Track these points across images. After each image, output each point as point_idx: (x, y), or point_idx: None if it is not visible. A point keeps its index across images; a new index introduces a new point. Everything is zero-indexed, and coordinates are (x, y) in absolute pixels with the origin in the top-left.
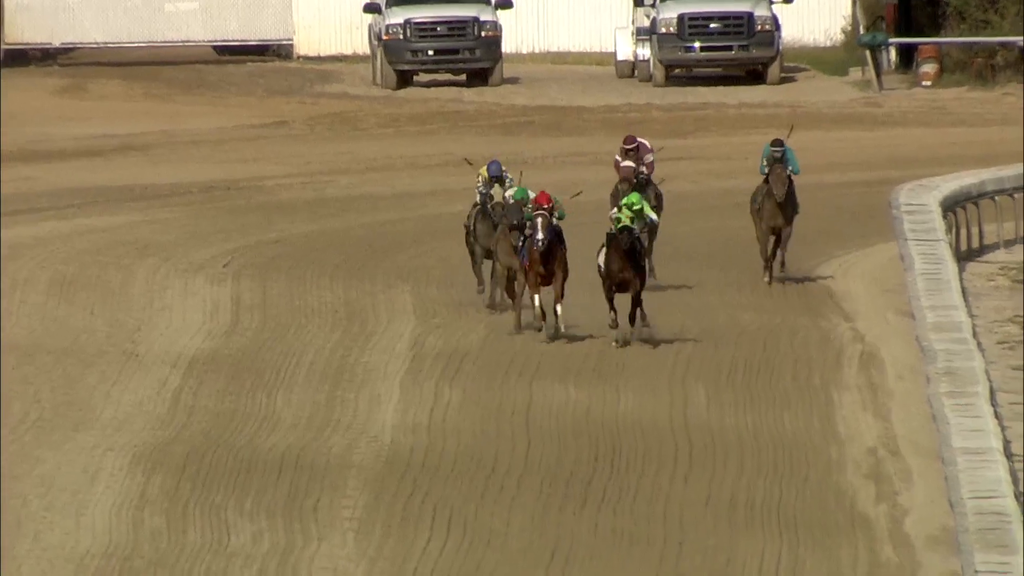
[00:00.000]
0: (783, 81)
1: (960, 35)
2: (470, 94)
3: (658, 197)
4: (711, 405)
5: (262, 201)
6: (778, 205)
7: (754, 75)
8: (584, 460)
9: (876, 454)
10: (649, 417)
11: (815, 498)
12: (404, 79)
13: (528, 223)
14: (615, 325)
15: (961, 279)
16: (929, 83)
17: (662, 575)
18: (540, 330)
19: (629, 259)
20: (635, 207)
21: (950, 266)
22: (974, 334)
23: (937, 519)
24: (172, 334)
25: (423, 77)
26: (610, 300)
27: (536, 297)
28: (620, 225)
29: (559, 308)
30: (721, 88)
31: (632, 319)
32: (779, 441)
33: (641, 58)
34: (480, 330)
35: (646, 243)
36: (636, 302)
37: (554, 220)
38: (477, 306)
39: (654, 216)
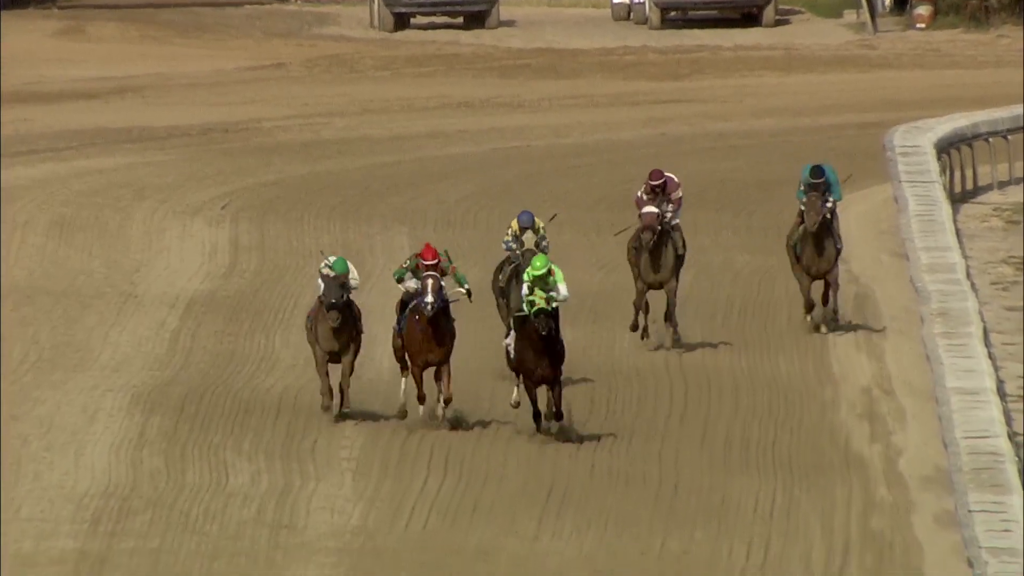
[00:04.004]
0: (778, 23)
1: None
2: (467, 37)
3: (679, 252)
4: (706, 346)
5: (259, 143)
6: (817, 247)
7: (749, 17)
8: (580, 401)
9: (870, 394)
10: (645, 358)
11: (809, 438)
12: (401, 21)
13: (416, 286)
14: (516, 406)
15: (955, 220)
16: (924, 25)
17: (657, 514)
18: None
19: (546, 349)
20: (539, 272)
21: (944, 207)
22: (968, 275)
23: (931, 459)
24: (170, 276)
25: (420, 19)
26: (530, 392)
27: (407, 380)
28: (535, 309)
29: (444, 396)
30: (716, 30)
31: (558, 415)
32: (774, 382)
33: (637, 1)
34: (475, 271)
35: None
36: (556, 399)
37: (446, 290)
38: (475, 249)
39: (564, 291)
